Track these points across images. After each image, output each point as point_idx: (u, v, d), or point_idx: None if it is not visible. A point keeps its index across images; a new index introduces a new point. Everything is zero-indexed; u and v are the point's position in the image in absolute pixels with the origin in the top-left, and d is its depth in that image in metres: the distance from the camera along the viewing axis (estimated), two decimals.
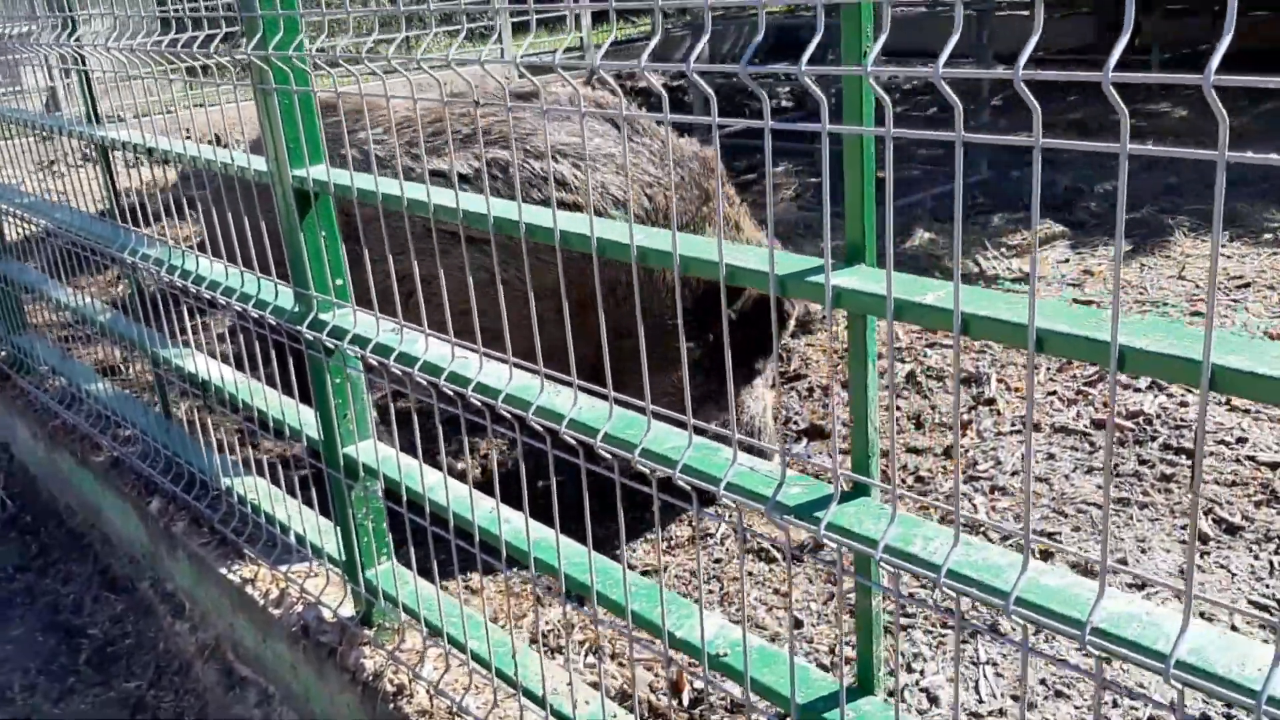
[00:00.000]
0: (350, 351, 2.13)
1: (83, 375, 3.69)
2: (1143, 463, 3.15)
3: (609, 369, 1.64)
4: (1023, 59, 1.00)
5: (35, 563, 3.76)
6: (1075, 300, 4.42)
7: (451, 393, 1.88)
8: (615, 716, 2.04)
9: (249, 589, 2.76)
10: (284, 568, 2.72)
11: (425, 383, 1.94)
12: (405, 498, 2.18)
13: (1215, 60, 0.84)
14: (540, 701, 1.99)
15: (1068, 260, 5.06)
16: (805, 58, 1.14)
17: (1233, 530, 2.83)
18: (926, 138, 1.14)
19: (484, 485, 2.17)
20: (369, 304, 2.17)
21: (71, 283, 3.57)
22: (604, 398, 1.64)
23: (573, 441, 1.68)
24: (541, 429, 1.73)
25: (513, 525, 1.97)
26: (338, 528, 2.45)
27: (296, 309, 2.29)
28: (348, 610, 2.51)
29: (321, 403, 2.32)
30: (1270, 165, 0.89)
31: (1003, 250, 5.26)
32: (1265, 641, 1.06)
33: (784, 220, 6.04)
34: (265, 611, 2.69)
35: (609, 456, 1.63)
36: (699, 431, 1.56)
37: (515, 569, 2.13)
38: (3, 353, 4.33)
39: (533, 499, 1.88)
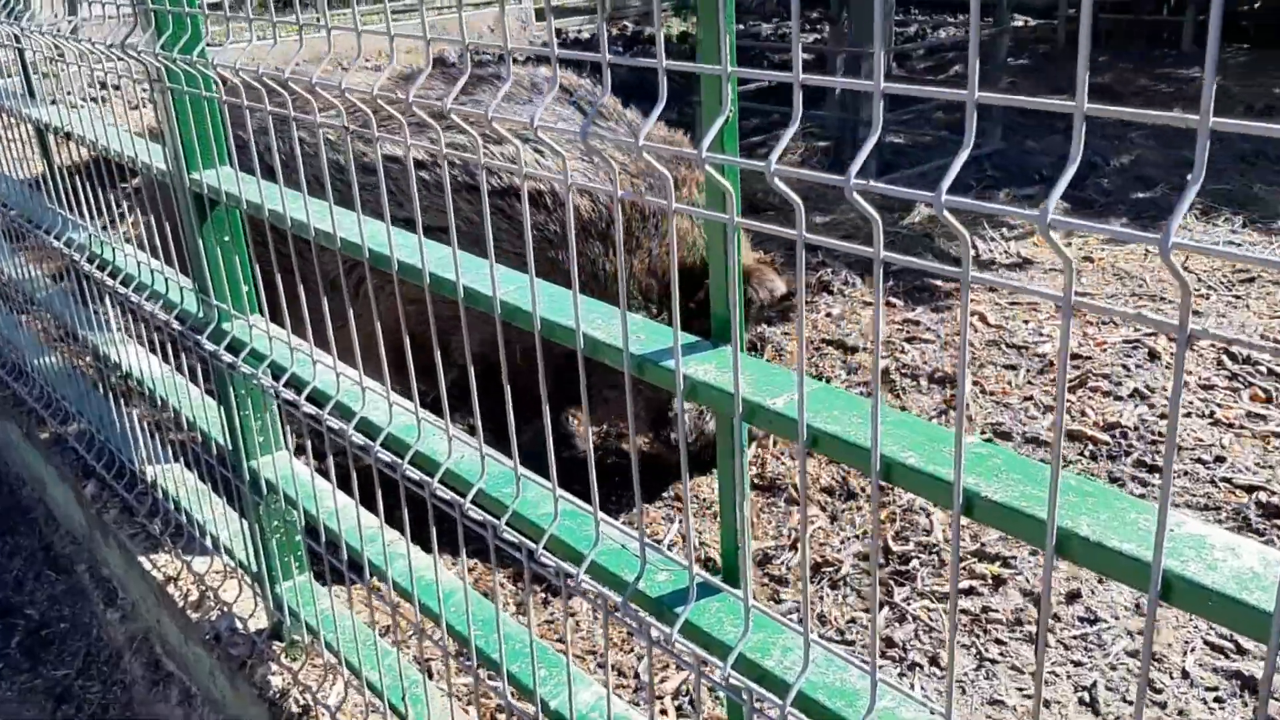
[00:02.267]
0: (245, 370, 2.01)
1: (30, 347, 3.60)
2: (1113, 480, 3.00)
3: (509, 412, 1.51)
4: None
5: None
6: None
7: (337, 426, 1.76)
8: None
9: (170, 588, 2.69)
10: (204, 568, 2.64)
11: (315, 412, 1.82)
12: (303, 521, 2.08)
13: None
14: None
15: (1069, 244, 4.85)
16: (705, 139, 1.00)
17: None
18: (842, 248, 1.00)
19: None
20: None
21: (20, 248, 3.46)
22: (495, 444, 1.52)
23: (447, 496, 1.56)
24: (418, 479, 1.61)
25: (400, 566, 1.87)
26: (249, 539, 2.35)
27: (200, 315, 2.17)
28: (260, 622, 2.43)
29: (228, 414, 2.21)
30: None
31: (1003, 231, 5.05)
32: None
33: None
34: (185, 614, 2.61)
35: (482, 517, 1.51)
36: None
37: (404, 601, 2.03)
38: None
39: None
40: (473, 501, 1.52)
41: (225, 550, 2.51)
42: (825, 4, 9.48)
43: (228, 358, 2.04)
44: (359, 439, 1.70)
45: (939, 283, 4.35)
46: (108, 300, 2.69)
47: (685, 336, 1.26)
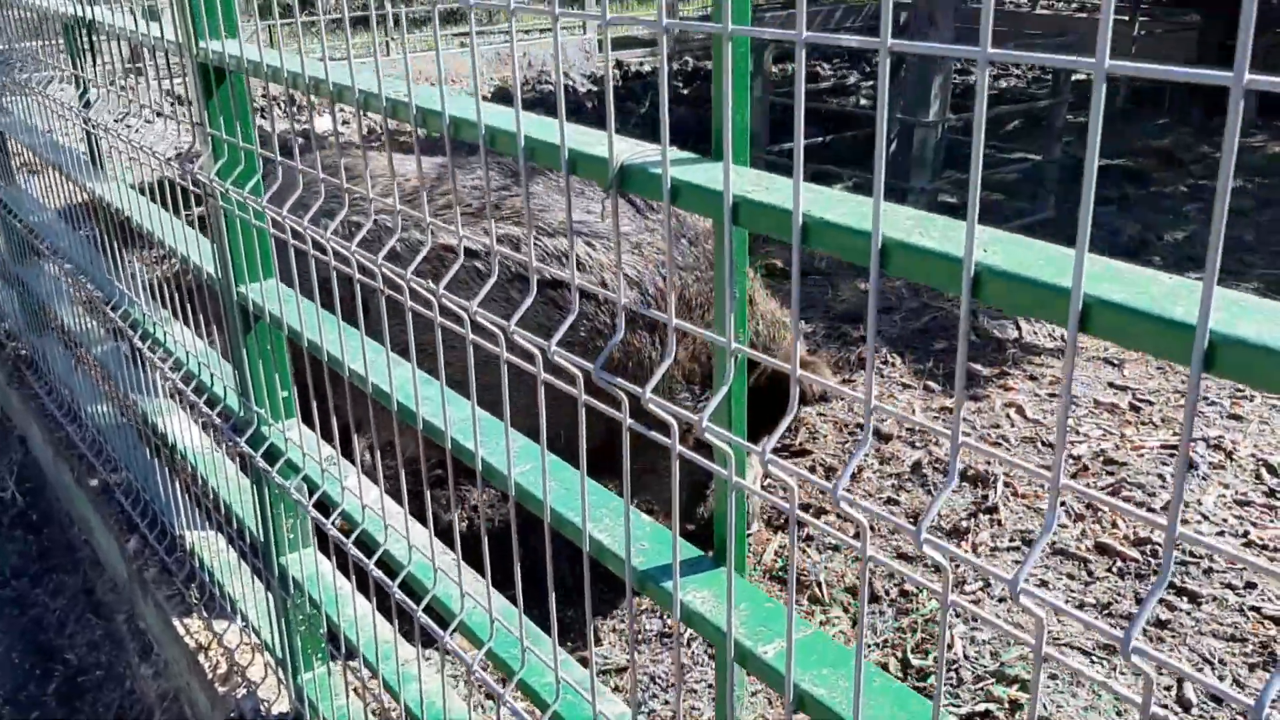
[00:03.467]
0: (278, 480, 2.08)
1: (85, 393, 3.72)
2: (1139, 602, 2.98)
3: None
4: None
5: (32, 567, 3.83)
6: (1110, 384, 4.20)
7: (359, 557, 1.82)
8: None
9: (202, 656, 2.77)
10: (234, 641, 2.72)
11: (339, 539, 1.89)
12: (325, 625, 2.15)
13: None
14: None
15: None
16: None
17: (1218, 700, 2.66)
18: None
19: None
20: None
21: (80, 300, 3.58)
22: None
23: (459, 647, 1.61)
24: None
25: (412, 690, 1.92)
26: (275, 625, 2.42)
27: (241, 414, 2.25)
28: (283, 706, 2.50)
29: (260, 509, 2.29)
30: None
31: None
32: None
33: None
34: (213, 685, 2.69)
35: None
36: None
37: None
38: (24, 350, 4.40)
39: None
40: (484, 655, 1.57)
41: (253, 629, 2.59)
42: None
43: (263, 464, 2.12)
44: (380, 573, 1.76)
45: (979, 368, 4.34)
46: (157, 376, 2.78)
47: (687, 549, 1.29)
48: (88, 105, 2.76)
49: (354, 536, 1.84)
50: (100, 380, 3.70)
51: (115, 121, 2.56)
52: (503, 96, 10.65)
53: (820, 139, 7.17)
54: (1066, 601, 3.01)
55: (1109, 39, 0.63)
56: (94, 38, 2.56)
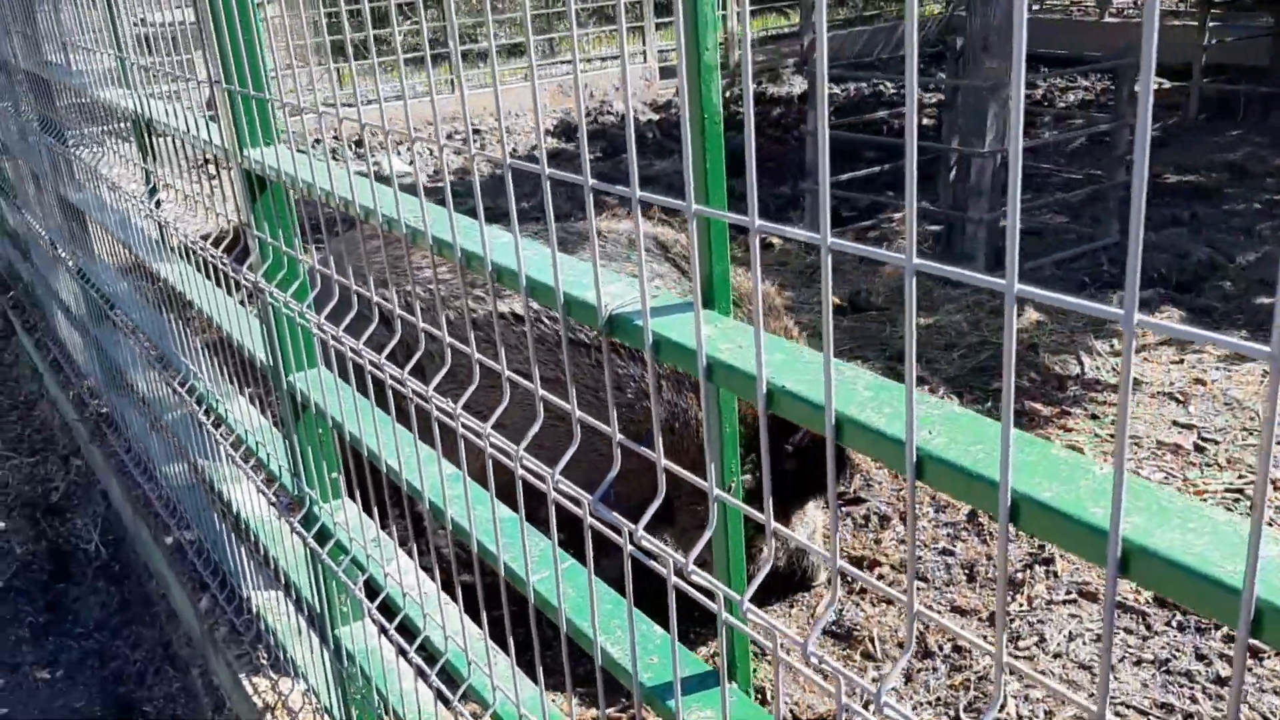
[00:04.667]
0: (327, 561, 2.17)
1: (159, 454, 3.88)
2: (1200, 658, 2.93)
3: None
4: None
5: (113, 620, 4.00)
6: (1175, 422, 4.12)
7: (400, 641, 1.90)
8: None
9: (268, 716, 2.88)
10: (299, 704, 2.82)
11: (383, 623, 1.96)
12: (377, 699, 2.23)
13: None
14: None
15: (1181, 361, 4.71)
16: None
17: None
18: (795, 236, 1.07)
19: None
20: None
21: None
22: None
23: None
24: None
25: None
26: (333, 693, 2.52)
27: (295, 493, 2.35)
28: None
29: (315, 584, 2.38)
30: None
31: (1112, 343, 4.94)
32: None
33: (899, 279, 5.80)
34: None
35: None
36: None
37: None
38: (105, 408, 4.60)
39: None
40: None
41: (314, 693, 2.69)
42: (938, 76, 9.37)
43: (314, 545, 2.21)
44: (420, 660, 1.83)
45: (1038, 406, 4.30)
46: (220, 448, 2.90)
47: (693, 663, 1.34)
48: (154, 192, 2.91)
49: (396, 621, 1.92)
50: (173, 443, 3.86)
51: (180, 198, 2.69)
52: (565, 130, 10.79)
53: (879, 168, 7.15)
54: (1123, 657, 2.97)
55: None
56: (153, 134, 2.69)
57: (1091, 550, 0.72)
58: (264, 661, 2.99)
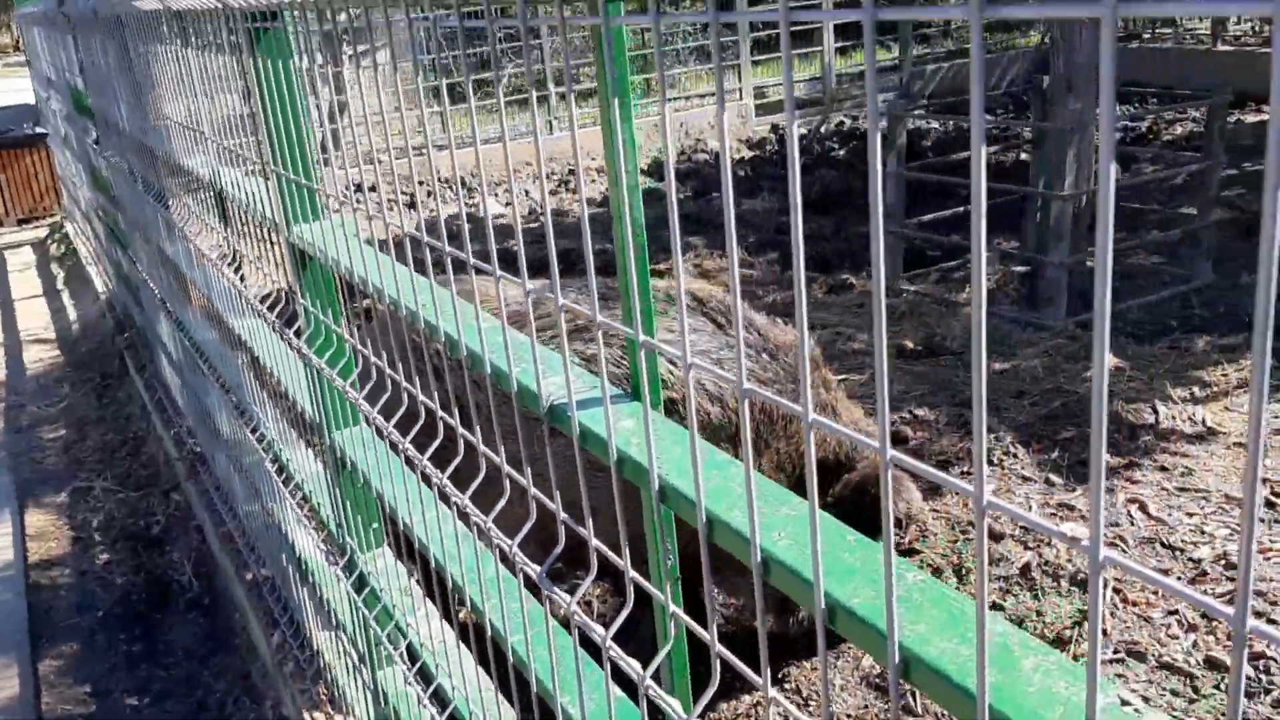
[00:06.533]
0: (363, 610, 2.31)
1: (241, 495, 4.11)
2: None
3: None
4: None
5: (200, 650, 4.24)
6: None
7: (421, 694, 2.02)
8: None
9: None
10: None
11: (407, 673, 2.09)
12: None
13: None
14: None
15: (1278, 416, 4.55)
16: None
17: None
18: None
19: None
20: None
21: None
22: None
23: None
24: None
25: None
26: None
27: (340, 542, 2.50)
28: None
29: (357, 626, 2.52)
30: None
31: (1195, 389, 4.82)
32: None
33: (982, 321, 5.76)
34: None
35: None
36: None
37: None
38: (199, 448, 4.89)
39: None
40: None
41: None
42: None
43: (352, 591, 2.36)
44: (434, 709, 1.95)
45: (1106, 456, 4.21)
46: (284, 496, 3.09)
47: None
48: (231, 253, 3.13)
49: (416, 668, 2.04)
50: (250, 485, 4.09)
51: (244, 261, 2.90)
52: (654, 170, 10.97)
53: (962, 208, 7.11)
54: None
55: None
56: (225, 202, 2.91)
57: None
58: (324, 697, 3.15)
